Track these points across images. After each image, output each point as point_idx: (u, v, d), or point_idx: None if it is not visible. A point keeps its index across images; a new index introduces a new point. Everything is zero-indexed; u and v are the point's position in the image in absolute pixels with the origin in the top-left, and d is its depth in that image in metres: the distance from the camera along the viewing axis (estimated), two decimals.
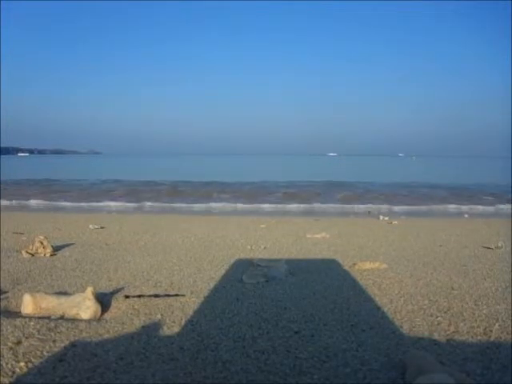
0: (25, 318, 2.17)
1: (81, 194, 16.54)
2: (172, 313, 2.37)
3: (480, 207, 13.59)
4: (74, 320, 2.20)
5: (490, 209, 13.47)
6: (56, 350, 1.81)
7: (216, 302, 2.60)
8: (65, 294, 2.61)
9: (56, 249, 4.33)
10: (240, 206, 14.00)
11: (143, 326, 2.14)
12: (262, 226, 7.22)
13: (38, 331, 1.98)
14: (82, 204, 14.11)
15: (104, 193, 16.74)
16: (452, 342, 2.00)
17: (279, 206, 13.93)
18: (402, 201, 14.75)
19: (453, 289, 2.96)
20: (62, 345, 1.86)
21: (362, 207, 13.51)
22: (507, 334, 2.10)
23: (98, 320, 2.24)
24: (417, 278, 3.25)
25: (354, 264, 3.70)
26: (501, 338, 2.06)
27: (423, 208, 13.42)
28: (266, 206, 13.83)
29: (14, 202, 14.00)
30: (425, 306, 2.54)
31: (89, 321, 2.20)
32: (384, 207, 13.50)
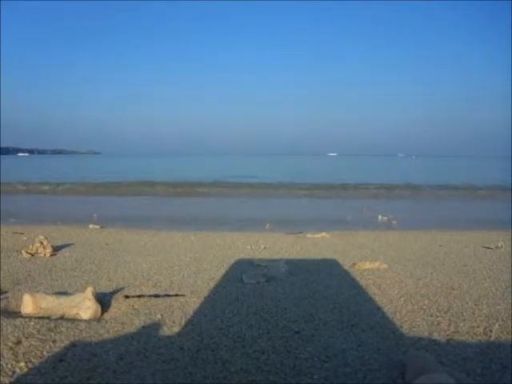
0: (25, 318, 2.17)
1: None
2: (172, 313, 2.37)
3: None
4: (74, 320, 2.20)
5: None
6: (56, 350, 1.81)
7: (216, 302, 2.60)
8: (65, 293, 2.61)
9: (56, 249, 4.33)
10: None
11: (143, 326, 2.14)
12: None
13: (38, 331, 1.98)
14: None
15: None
16: (452, 341, 2.00)
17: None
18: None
19: (453, 289, 2.96)
20: (62, 345, 1.86)
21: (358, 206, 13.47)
22: (507, 333, 2.10)
23: (98, 320, 2.24)
24: (417, 278, 3.25)
25: (354, 264, 3.70)
26: (501, 338, 2.06)
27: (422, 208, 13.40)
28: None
29: None
30: (425, 306, 2.54)
31: (89, 321, 2.20)
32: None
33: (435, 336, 2.07)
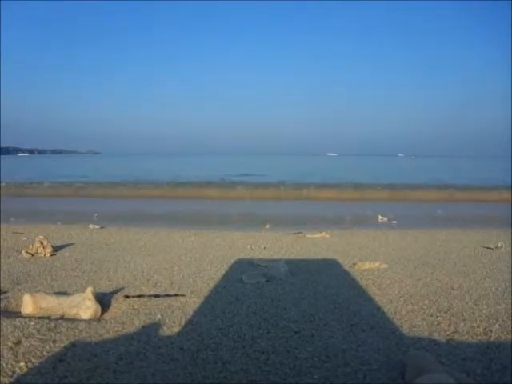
0: (25, 318, 2.17)
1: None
2: (172, 313, 2.37)
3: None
4: (74, 320, 2.20)
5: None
6: (56, 350, 1.81)
7: (216, 302, 2.60)
8: (65, 293, 2.62)
9: (56, 249, 4.33)
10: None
11: (143, 326, 2.14)
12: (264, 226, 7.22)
13: (38, 331, 1.98)
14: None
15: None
16: (452, 341, 2.00)
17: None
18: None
19: (453, 289, 2.96)
20: (62, 345, 1.86)
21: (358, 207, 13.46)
22: (507, 333, 2.10)
23: (98, 320, 2.24)
24: (417, 278, 3.25)
25: (354, 264, 3.70)
26: (501, 337, 2.06)
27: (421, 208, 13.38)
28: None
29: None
30: (425, 306, 2.54)
31: (89, 321, 2.21)
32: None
33: (435, 336, 2.07)
